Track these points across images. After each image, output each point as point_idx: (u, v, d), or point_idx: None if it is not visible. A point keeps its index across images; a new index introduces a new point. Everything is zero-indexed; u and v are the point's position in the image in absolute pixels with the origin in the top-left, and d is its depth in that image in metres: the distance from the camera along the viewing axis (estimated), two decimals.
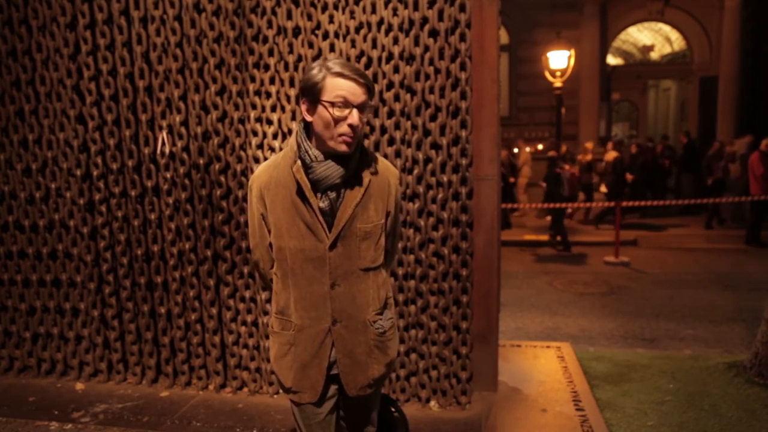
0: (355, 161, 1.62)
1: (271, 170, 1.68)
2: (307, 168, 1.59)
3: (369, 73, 2.97)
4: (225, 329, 3.33)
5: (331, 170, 1.57)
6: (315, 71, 1.55)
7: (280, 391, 1.81)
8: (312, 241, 1.63)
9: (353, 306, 1.68)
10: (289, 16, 3.02)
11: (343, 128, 1.54)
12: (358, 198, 1.62)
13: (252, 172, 3.10)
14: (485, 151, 3.08)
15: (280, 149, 2.63)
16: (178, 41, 3.13)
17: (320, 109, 1.54)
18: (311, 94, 1.55)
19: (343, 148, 1.56)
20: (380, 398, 1.95)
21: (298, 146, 1.61)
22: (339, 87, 1.52)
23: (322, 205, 1.60)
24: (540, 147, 10.65)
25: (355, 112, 1.54)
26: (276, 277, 1.74)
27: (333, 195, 1.60)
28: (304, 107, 1.60)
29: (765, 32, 11.86)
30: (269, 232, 1.71)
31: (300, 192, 1.61)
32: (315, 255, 1.63)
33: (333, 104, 1.52)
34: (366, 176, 1.65)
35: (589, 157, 10.35)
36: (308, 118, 1.59)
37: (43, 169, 3.40)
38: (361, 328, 1.70)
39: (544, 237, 9.32)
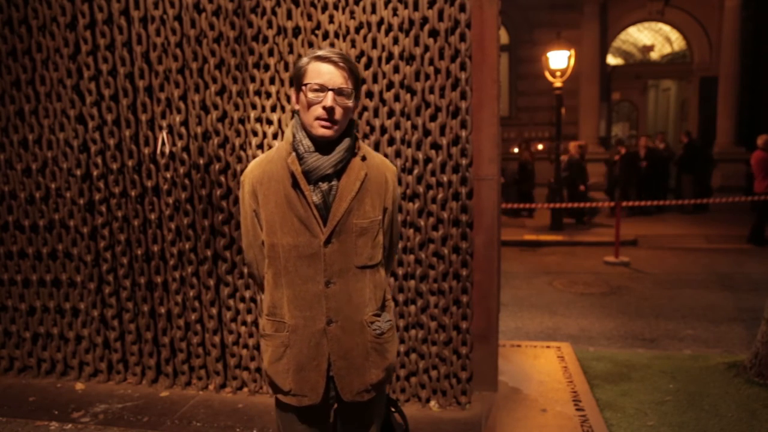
0: (346, 152, 1.59)
1: (264, 165, 1.65)
2: (300, 159, 1.57)
3: (369, 73, 2.98)
4: (225, 329, 3.33)
5: (321, 160, 1.55)
6: (304, 59, 1.57)
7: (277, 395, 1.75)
8: (306, 236, 1.58)
9: (349, 305, 1.63)
10: (289, 16, 3.02)
11: (318, 111, 1.52)
12: (354, 192, 1.59)
13: None
14: (485, 151, 3.08)
15: None
16: (178, 41, 3.13)
17: (301, 94, 1.56)
18: (297, 81, 1.58)
19: (320, 131, 1.54)
20: (383, 409, 1.85)
21: (294, 137, 1.59)
22: (318, 70, 1.53)
23: (315, 198, 1.57)
24: (540, 147, 10.64)
25: (330, 94, 1.52)
26: (267, 276, 1.68)
27: (325, 187, 1.57)
28: (293, 97, 1.62)
29: (765, 32, 11.86)
30: (262, 229, 1.66)
31: (295, 184, 1.57)
32: (309, 251, 1.59)
33: (310, 87, 1.53)
34: (361, 169, 1.62)
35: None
36: (296, 107, 1.61)
37: (43, 169, 3.40)
38: (358, 329, 1.65)
39: (545, 237, 9.34)
